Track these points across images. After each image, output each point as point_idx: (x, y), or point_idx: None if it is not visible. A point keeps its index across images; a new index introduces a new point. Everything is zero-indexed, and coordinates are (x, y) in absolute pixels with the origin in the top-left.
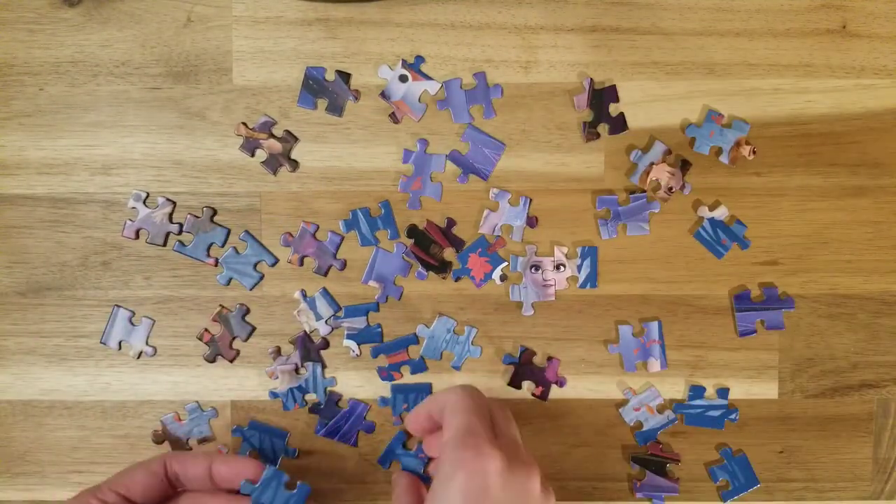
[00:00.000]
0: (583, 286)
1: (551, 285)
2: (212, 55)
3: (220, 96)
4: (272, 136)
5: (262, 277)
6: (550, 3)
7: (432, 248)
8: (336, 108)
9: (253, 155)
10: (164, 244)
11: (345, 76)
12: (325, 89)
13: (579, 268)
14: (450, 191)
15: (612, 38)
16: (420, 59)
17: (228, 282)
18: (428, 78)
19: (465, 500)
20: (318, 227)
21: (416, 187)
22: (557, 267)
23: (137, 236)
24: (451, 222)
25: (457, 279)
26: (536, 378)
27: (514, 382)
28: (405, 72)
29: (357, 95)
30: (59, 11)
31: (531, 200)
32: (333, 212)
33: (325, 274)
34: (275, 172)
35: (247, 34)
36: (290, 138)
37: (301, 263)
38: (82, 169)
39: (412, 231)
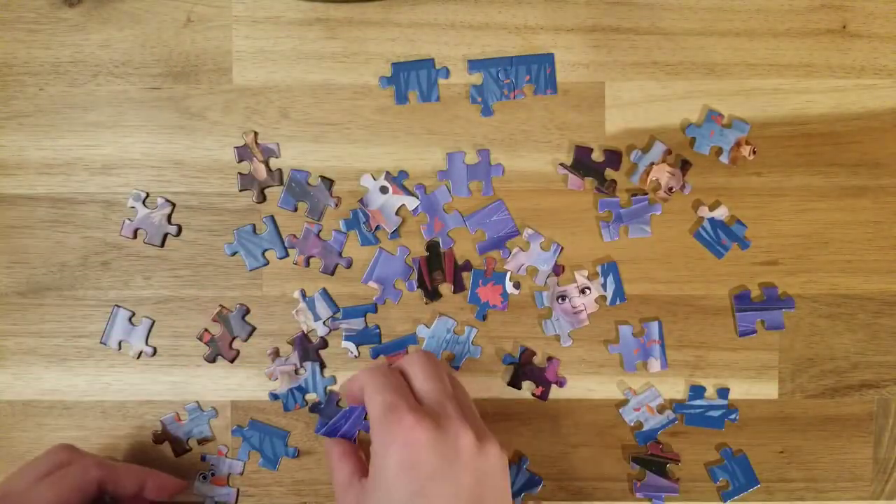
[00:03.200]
0: (612, 303)
1: (582, 311)
2: (212, 55)
3: (220, 96)
4: (267, 165)
5: (265, 265)
6: (550, 3)
7: (436, 272)
8: (315, 213)
9: (239, 161)
10: (162, 245)
11: (328, 182)
12: (306, 193)
13: (604, 286)
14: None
15: (612, 38)
16: (404, 174)
17: (233, 254)
18: (409, 193)
19: (401, 475)
20: (321, 227)
21: (440, 228)
22: (583, 291)
23: (135, 236)
24: (467, 265)
25: (484, 318)
26: (536, 378)
27: (514, 382)
28: (387, 184)
29: (338, 203)
30: (59, 11)
31: (562, 249)
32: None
33: (332, 273)
34: (240, 189)
35: (247, 34)
36: (275, 177)
37: (307, 264)
38: (82, 169)
39: (431, 247)
